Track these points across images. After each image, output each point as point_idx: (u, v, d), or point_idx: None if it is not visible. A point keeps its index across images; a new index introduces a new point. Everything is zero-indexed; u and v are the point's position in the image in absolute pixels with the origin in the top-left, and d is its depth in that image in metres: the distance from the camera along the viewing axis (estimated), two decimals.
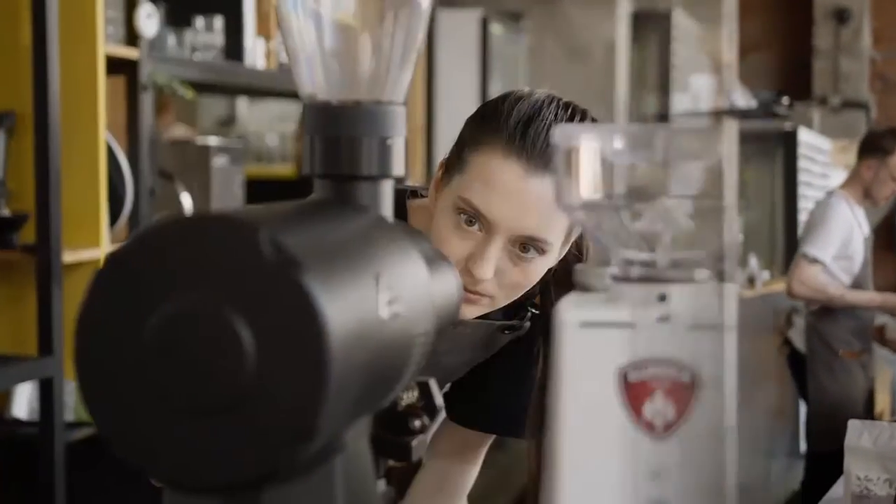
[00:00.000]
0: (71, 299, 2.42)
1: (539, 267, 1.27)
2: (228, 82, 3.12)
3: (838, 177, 8.20)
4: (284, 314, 0.61)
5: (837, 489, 2.08)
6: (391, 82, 0.82)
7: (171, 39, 2.93)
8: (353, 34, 0.83)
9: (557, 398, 0.70)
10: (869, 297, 4.38)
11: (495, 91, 5.89)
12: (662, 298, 0.70)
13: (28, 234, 2.42)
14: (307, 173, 0.82)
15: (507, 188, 1.22)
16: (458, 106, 4.26)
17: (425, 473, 1.44)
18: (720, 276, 0.72)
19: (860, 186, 4.33)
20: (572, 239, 1.32)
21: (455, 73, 5.04)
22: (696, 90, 5.51)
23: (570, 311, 0.71)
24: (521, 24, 5.42)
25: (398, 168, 0.82)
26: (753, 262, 6.15)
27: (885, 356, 5.09)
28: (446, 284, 0.87)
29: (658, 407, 0.69)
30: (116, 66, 2.63)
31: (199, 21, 3.02)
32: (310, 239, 0.66)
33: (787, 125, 6.55)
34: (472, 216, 1.23)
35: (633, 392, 0.69)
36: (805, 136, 6.80)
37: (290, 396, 0.61)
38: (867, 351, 4.47)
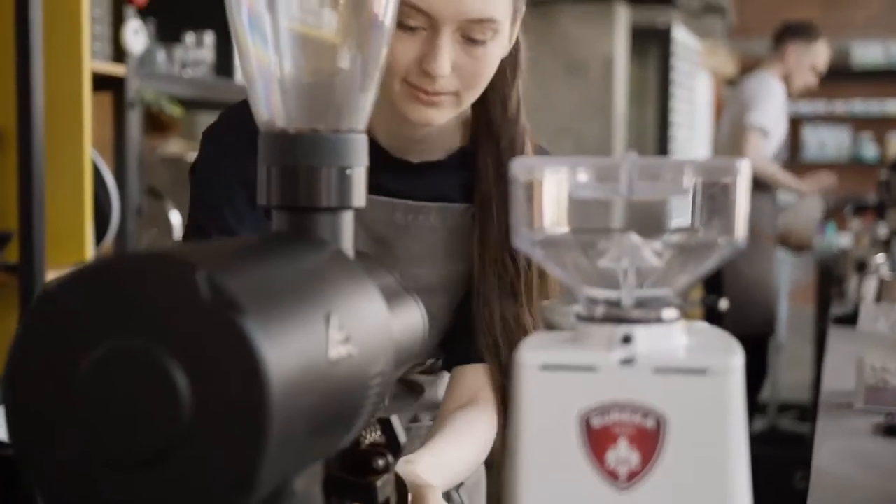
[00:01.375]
0: None
1: (494, 51, 1.22)
2: (218, 99, 3.09)
3: (704, 78, 8.34)
4: (222, 358, 0.57)
5: (845, 383, 1.87)
6: (350, 109, 0.79)
7: (161, 55, 2.90)
8: (311, 60, 0.80)
9: (516, 443, 0.67)
10: (798, 182, 4.50)
11: None
12: (627, 340, 0.67)
13: (11, 253, 2.39)
14: (264, 204, 0.79)
15: None
16: None
17: (447, 427, 1.29)
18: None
19: (781, 72, 4.40)
20: (519, 18, 1.28)
21: None
22: None
23: (530, 353, 0.67)
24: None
25: (359, 198, 0.79)
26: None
27: None
28: (409, 319, 0.84)
29: (622, 455, 0.66)
30: (103, 82, 2.60)
31: (190, 37, 3.00)
32: (254, 278, 0.62)
33: (661, 22, 6.63)
34: (411, 17, 1.18)
35: (596, 439, 0.66)
36: (678, 35, 6.89)
37: (227, 445, 0.58)
38: (777, 242, 4.57)
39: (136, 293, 0.59)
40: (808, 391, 5.38)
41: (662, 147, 7.18)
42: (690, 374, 0.65)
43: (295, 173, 0.77)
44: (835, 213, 9.71)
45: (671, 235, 0.69)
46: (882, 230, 4.23)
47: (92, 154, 2.50)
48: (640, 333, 0.67)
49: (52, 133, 2.42)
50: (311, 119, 0.79)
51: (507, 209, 1.23)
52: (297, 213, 0.78)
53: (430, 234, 1.33)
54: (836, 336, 2.79)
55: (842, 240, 5.85)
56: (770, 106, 4.28)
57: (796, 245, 4.80)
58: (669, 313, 0.68)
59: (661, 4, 6.08)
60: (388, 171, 1.33)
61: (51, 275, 2.39)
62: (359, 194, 0.79)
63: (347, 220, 0.79)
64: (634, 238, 0.69)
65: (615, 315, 0.68)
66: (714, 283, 4.33)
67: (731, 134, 4.39)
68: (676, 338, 0.68)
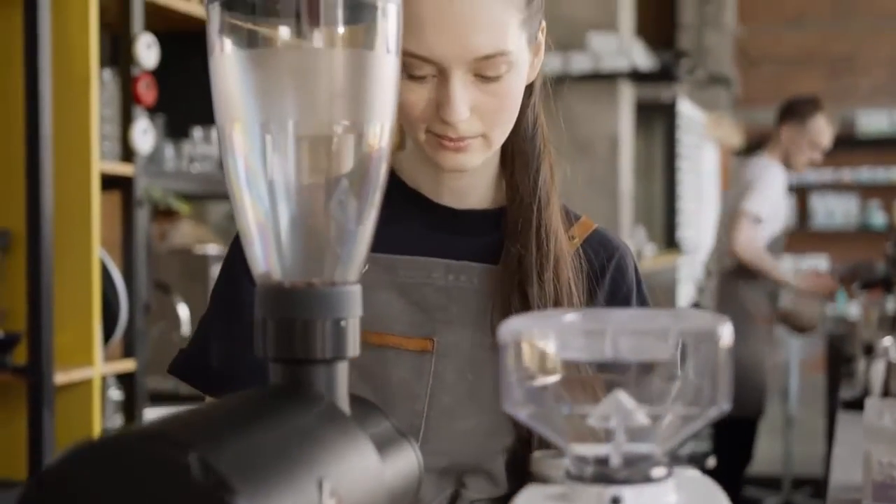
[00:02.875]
0: (63, 422, 2.40)
1: (514, 83, 1.15)
2: (226, 192, 3.12)
3: (710, 149, 8.38)
4: None
5: (854, 475, 1.84)
6: (344, 263, 0.81)
7: (169, 151, 2.95)
8: (306, 215, 0.82)
9: None
10: (790, 278, 4.48)
11: None
12: (616, 501, 0.68)
13: (20, 355, 2.40)
14: (260, 356, 0.80)
15: (435, 19, 1.09)
16: None
17: None
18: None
19: (780, 153, 4.42)
20: (540, 36, 1.21)
21: None
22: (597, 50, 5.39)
23: None
24: None
25: (353, 349, 0.80)
26: (641, 234, 6.14)
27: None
28: (403, 464, 0.84)
29: None
30: (112, 181, 2.64)
31: (197, 132, 3.04)
32: (245, 452, 0.64)
33: (666, 96, 6.67)
34: (417, 67, 1.11)
35: None
36: (684, 108, 6.94)
37: None
38: (774, 322, 4.53)
39: (129, 475, 0.60)
40: (821, 465, 5.35)
41: (670, 220, 7.21)
42: None
43: (291, 326, 0.79)
44: (845, 283, 9.71)
45: (658, 395, 0.70)
46: (890, 305, 4.23)
47: (100, 254, 2.52)
48: (629, 494, 0.67)
49: (61, 234, 2.44)
50: (307, 272, 0.81)
51: (533, 270, 1.20)
52: (293, 365, 0.79)
53: (473, 297, 1.22)
54: (844, 422, 2.78)
55: (852, 309, 5.85)
56: (767, 193, 4.31)
57: (798, 327, 4.79)
58: (658, 472, 0.69)
59: (665, 81, 6.15)
60: (430, 220, 1.26)
61: (59, 376, 2.41)
62: (353, 344, 0.80)
63: (342, 370, 0.80)
64: (623, 397, 0.70)
65: (604, 475, 0.69)
66: None
67: (729, 217, 4.42)
68: (666, 497, 0.69)
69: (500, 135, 1.18)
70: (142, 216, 2.67)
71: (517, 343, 0.70)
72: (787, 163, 4.44)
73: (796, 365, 6.03)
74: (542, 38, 1.22)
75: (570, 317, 0.73)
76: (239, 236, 1.29)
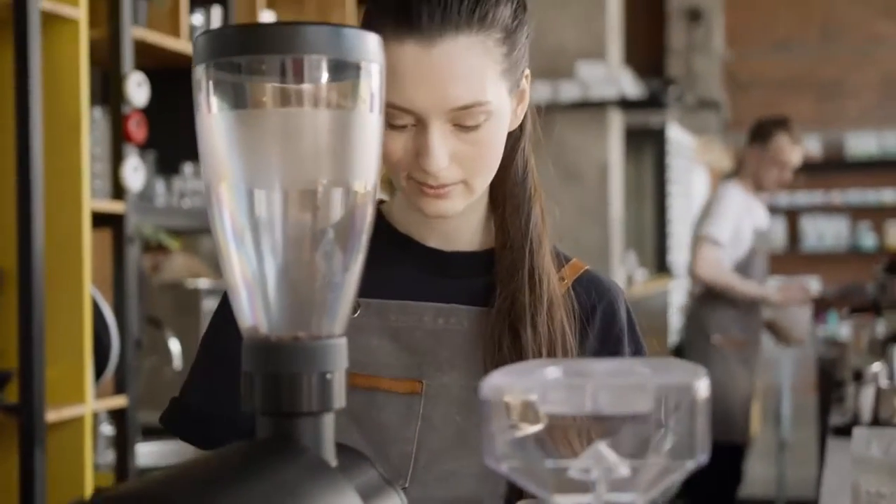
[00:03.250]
0: (54, 459, 2.40)
1: (494, 132, 1.17)
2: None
3: (700, 173, 8.42)
4: None
5: (843, 502, 1.85)
6: (330, 316, 0.83)
7: (160, 186, 2.96)
8: (292, 270, 0.83)
9: None
10: (763, 291, 4.44)
11: None
12: None
13: (12, 393, 2.41)
14: (248, 410, 0.82)
15: (413, 71, 1.11)
16: None
17: None
18: None
19: (750, 175, 4.45)
20: (524, 84, 1.22)
21: None
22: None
23: None
24: None
25: (339, 401, 0.82)
26: (632, 259, 6.17)
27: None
28: None
29: None
30: (103, 219, 2.65)
31: (188, 167, 3.06)
32: None
33: (655, 122, 6.72)
34: (397, 117, 1.13)
35: None
36: (673, 133, 6.98)
37: None
38: (750, 344, 4.46)
39: None
40: (814, 488, 5.35)
41: (661, 245, 7.24)
42: None
43: (277, 380, 0.80)
44: (836, 304, 9.74)
45: (639, 447, 0.71)
46: (880, 329, 4.24)
47: (91, 291, 2.53)
48: None
49: (53, 272, 2.46)
50: (293, 326, 0.82)
51: (524, 314, 1.21)
52: (280, 418, 0.80)
53: (463, 339, 1.23)
54: (833, 449, 2.80)
55: (843, 331, 5.86)
56: (726, 216, 4.33)
57: (785, 339, 4.81)
58: None
59: (654, 108, 6.19)
60: (420, 263, 1.27)
61: (50, 414, 2.41)
62: (339, 396, 0.82)
63: (329, 421, 0.81)
64: (604, 449, 0.71)
65: None
66: None
67: (692, 243, 4.47)
68: None
69: (482, 181, 1.20)
70: (132, 253, 2.68)
71: (499, 398, 0.72)
72: (759, 185, 4.46)
73: (788, 388, 6.05)
74: (525, 85, 1.24)
75: (552, 370, 0.75)
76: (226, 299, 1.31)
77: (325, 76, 0.80)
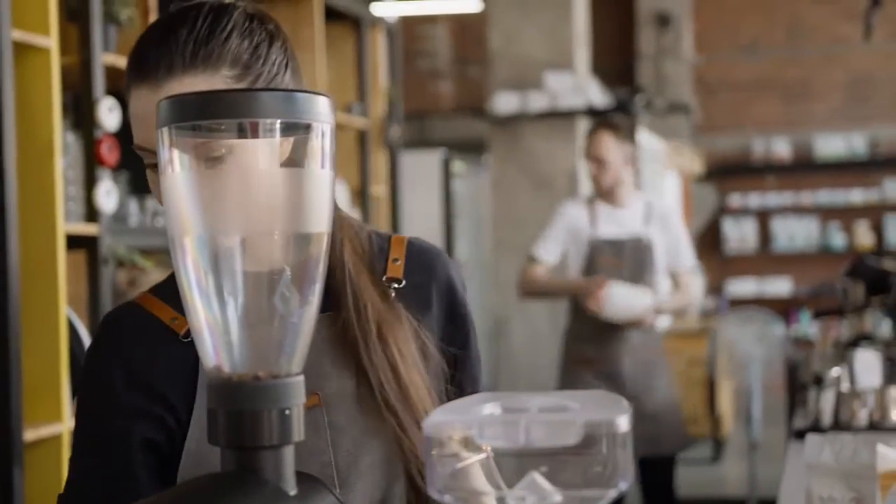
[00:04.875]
0: (32, 479, 2.45)
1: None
2: None
3: (671, 178, 8.50)
4: None
5: None
6: (288, 356, 0.89)
7: (133, 207, 3.02)
8: (251, 313, 0.90)
9: None
10: (583, 282, 4.15)
11: (459, 225, 6.07)
12: None
13: None
14: (213, 443, 0.88)
15: (146, 112, 1.19)
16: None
17: None
18: None
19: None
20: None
21: (420, 210, 5.15)
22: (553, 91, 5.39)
23: None
24: (483, 157, 5.55)
25: (298, 434, 0.88)
26: None
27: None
28: None
29: None
30: (77, 241, 2.71)
31: None
32: None
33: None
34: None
35: None
36: (643, 139, 7.04)
37: None
38: (599, 364, 4.18)
39: None
40: None
41: None
42: None
43: (239, 417, 0.87)
44: (808, 302, 9.86)
45: (570, 476, 0.79)
46: (844, 332, 4.32)
47: (67, 312, 2.59)
48: None
49: (28, 294, 2.51)
50: (253, 366, 0.89)
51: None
52: (242, 452, 0.87)
53: (330, 345, 1.29)
54: (794, 452, 2.86)
55: (812, 330, 5.95)
56: (546, 233, 4.22)
57: (624, 322, 4.24)
58: None
59: (621, 115, 6.28)
60: None
61: (28, 433, 2.47)
62: (298, 430, 0.88)
63: (288, 453, 0.88)
64: (538, 478, 0.79)
65: None
66: None
67: None
68: None
69: None
70: (107, 274, 2.74)
71: (439, 434, 0.78)
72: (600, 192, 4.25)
73: (759, 388, 6.14)
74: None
75: (489, 408, 0.82)
76: (96, 344, 1.30)
77: (278, 137, 0.87)
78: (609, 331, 4.14)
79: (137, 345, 1.28)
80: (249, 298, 0.89)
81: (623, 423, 0.77)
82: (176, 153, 0.88)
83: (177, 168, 0.88)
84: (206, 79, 1.20)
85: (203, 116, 0.86)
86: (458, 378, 1.35)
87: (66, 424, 2.58)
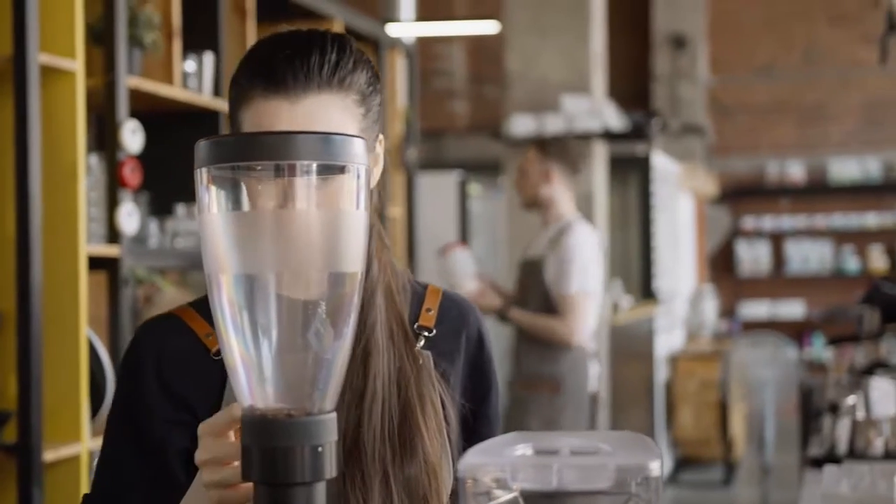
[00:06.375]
0: (52, 499, 2.47)
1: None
2: None
3: (685, 199, 8.49)
4: None
5: None
6: (321, 393, 0.91)
7: (154, 228, 3.04)
8: (286, 352, 0.91)
9: None
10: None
11: (475, 247, 6.07)
12: None
13: (10, 433, 2.48)
14: (246, 479, 0.90)
15: (278, 124, 1.20)
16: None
17: None
18: None
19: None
20: (379, 146, 1.29)
21: (436, 232, 5.15)
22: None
23: None
24: (499, 179, 5.55)
25: (330, 471, 0.90)
26: (618, 287, 6.24)
27: None
28: None
29: None
30: (98, 262, 2.73)
31: (181, 208, 3.13)
32: None
33: (640, 150, 6.79)
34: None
35: None
36: (658, 161, 7.06)
37: None
38: (548, 387, 4.06)
39: None
40: None
41: (646, 271, 7.32)
42: None
43: (273, 453, 0.88)
44: (821, 325, 9.83)
45: None
46: (859, 359, 4.30)
47: (87, 332, 2.61)
48: None
49: (50, 315, 2.53)
50: (287, 403, 0.90)
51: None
52: (275, 488, 0.89)
53: None
54: (810, 481, 2.86)
55: (826, 353, 5.93)
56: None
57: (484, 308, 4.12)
58: None
59: (637, 139, 6.28)
60: None
61: (48, 453, 2.48)
62: (330, 467, 0.90)
63: (320, 490, 0.90)
64: None
65: None
66: None
67: None
68: None
69: None
70: (127, 295, 2.76)
71: (472, 476, 0.80)
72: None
73: (772, 412, 6.13)
74: (380, 150, 1.33)
75: (520, 448, 0.83)
76: (132, 351, 1.31)
77: (314, 178, 0.88)
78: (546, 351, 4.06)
79: (171, 354, 1.29)
80: (283, 335, 0.91)
81: (655, 467, 0.78)
82: (213, 192, 0.90)
83: (213, 209, 0.90)
84: (340, 101, 1.22)
85: (241, 158, 0.88)
86: (467, 434, 1.34)
87: (85, 445, 2.59)
